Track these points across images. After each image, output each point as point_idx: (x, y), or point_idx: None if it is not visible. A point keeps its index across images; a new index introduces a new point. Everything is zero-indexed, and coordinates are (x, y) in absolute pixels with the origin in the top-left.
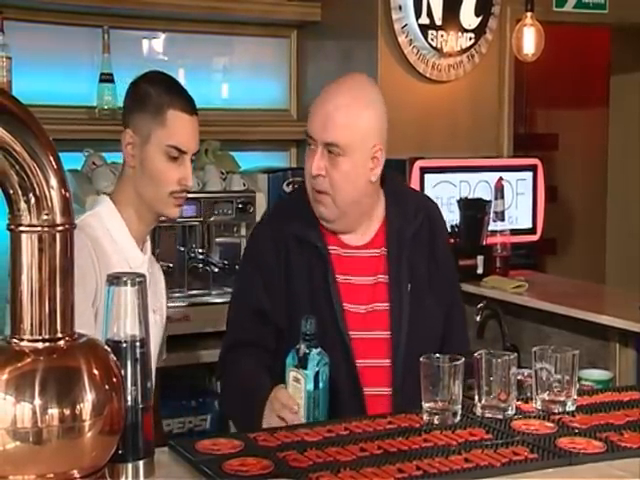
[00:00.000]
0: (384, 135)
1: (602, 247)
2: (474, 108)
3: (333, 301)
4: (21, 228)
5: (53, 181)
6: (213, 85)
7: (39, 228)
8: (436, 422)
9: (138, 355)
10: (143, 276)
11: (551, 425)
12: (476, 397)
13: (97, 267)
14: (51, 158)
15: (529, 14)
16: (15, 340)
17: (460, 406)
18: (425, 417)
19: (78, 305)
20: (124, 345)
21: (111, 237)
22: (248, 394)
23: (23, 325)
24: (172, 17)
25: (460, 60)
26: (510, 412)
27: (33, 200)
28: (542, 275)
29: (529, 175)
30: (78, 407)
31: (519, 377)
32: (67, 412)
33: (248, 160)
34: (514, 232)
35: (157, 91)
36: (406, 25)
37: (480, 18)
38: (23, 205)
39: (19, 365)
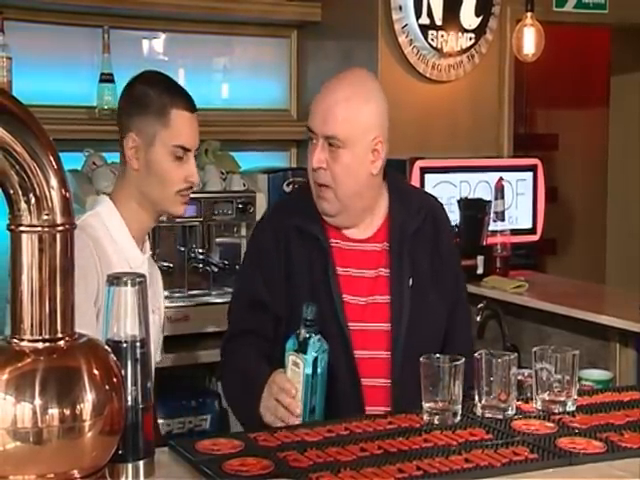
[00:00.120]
0: (385, 129)
1: (602, 247)
2: (474, 108)
3: (333, 292)
4: (21, 228)
5: (53, 181)
6: (213, 85)
7: (39, 228)
8: (436, 422)
9: (138, 355)
10: (143, 276)
11: (551, 425)
12: (476, 397)
13: (99, 267)
14: (51, 158)
15: (529, 14)
16: (15, 340)
17: (460, 406)
18: (425, 417)
19: (80, 305)
20: (124, 345)
21: (111, 237)
22: (247, 381)
23: (23, 325)
24: (172, 17)
25: (460, 60)
26: (510, 412)
27: (33, 200)
28: (542, 275)
29: (529, 175)
30: (78, 407)
31: (519, 377)
32: (67, 412)
33: (248, 160)
34: (514, 232)
35: (156, 92)
36: (406, 25)
37: (480, 18)
38: (23, 205)
39: (19, 365)
